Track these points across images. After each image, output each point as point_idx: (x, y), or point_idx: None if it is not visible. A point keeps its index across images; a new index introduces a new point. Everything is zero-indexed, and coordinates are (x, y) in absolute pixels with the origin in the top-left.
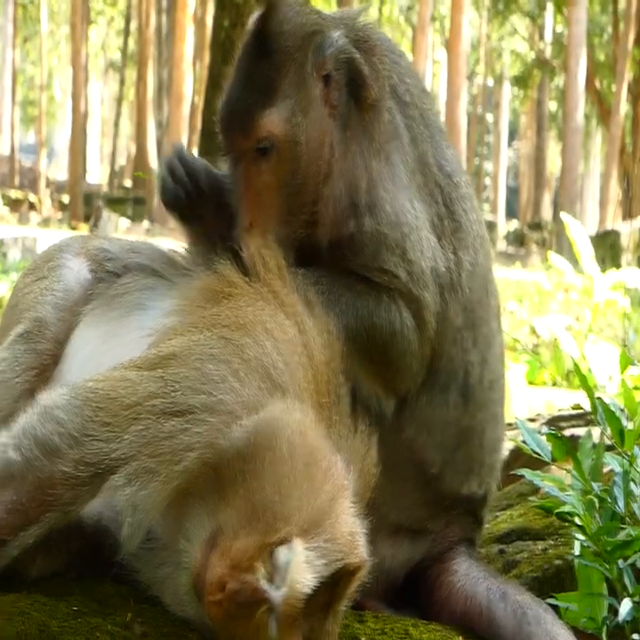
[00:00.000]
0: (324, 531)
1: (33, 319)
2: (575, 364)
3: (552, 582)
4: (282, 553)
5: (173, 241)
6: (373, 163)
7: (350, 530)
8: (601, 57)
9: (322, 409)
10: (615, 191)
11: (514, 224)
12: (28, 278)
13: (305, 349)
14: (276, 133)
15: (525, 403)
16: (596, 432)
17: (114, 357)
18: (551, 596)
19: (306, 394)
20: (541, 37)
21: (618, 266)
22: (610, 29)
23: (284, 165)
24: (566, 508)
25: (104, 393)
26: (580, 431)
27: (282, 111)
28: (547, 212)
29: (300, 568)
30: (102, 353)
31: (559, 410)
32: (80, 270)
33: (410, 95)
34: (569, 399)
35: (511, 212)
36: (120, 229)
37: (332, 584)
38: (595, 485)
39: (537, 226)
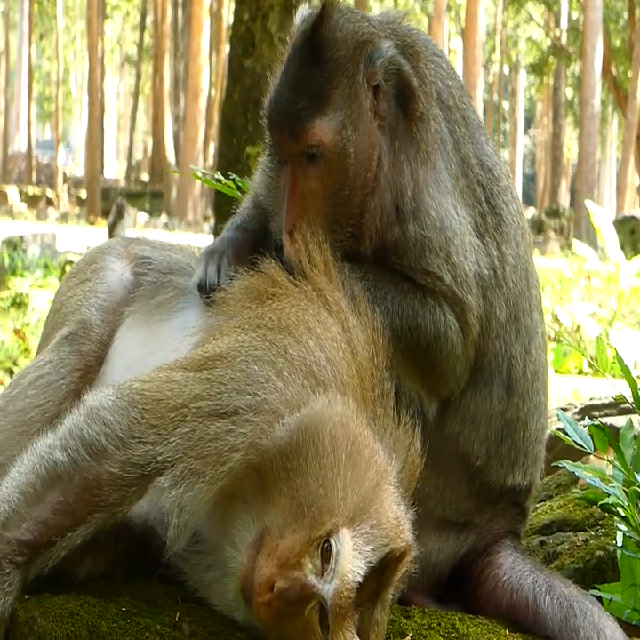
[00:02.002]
0: (369, 517)
1: (77, 321)
2: (617, 355)
3: (593, 573)
4: (329, 545)
5: (192, 235)
6: (420, 171)
7: (395, 514)
8: (617, 43)
9: (366, 402)
10: (632, 177)
11: (531, 211)
12: (71, 281)
13: (348, 346)
14: (325, 143)
15: (553, 391)
16: (634, 421)
17: (158, 357)
18: (593, 588)
19: (348, 388)
20: (557, 24)
21: (638, 252)
22: (626, 15)
23: (331, 175)
24: (610, 500)
25: (150, 394)
26: (614, 420)
27: (333, 122)
28: (564, 199)
29: (349, 557)
30: (146, 353)
31: (591, 398)
32: (123, 272)
33: (452, 99)
34: (595, 387)
35: (528, 200)
36: (138, 224)
37: (380, 571)
38: (637, 476)
39: (555, 213)
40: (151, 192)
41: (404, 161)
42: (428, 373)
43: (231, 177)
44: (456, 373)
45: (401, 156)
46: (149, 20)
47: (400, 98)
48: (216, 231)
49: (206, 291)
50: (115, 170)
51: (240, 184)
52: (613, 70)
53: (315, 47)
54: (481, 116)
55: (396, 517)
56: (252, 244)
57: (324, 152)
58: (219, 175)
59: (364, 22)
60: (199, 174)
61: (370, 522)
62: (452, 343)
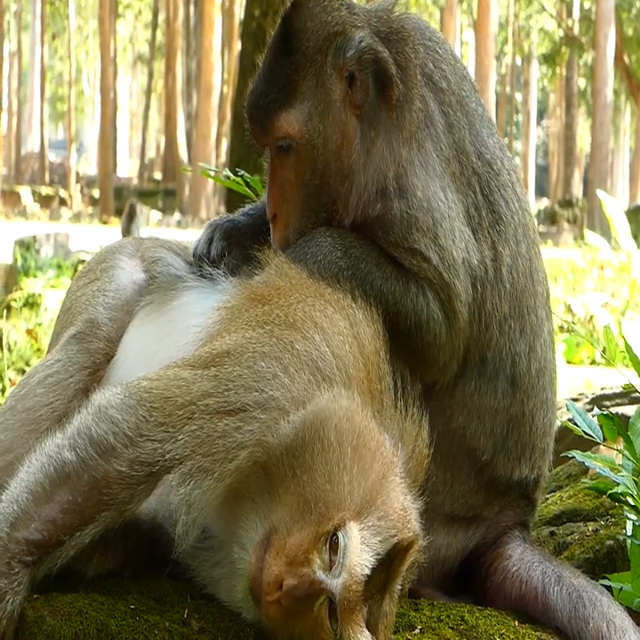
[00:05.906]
0: (376, 509)
1: (85, 320)
2: (627, 346)
3: (604, 563)
4: (337, 539)
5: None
6: (403, 151)
7: (402, 505)
8: (629, 32)
9: (373, 395)
10: None
11: (544, 202)
12: (81, 281)
13: (355, 340)
14: (293, 135)
15: (565, 382)
16: None
17: (167, 355)
18: (603, 577)
19: (354, 381)
20: (569, 14)
21: None
22: (638, 4)
23: (302, 165)
24: (620, 489)
25: (158, 392)
26: (625, 409)
27: (299, 113)
28: (577, 190)
29: (357, 551)
30: (155, 350)
31: (602, 388)
32: (134, 271)
33: (446, 82)
34: (608, 377)
35: (541, 191)
36: (151, 222)
37: (388, 562)
38: None
39: (568, 203)
40: (164, 190)
41: (384, 145)
42: (410, 357)
43: (240, 173)
44: (439, 362)
45: (379, 142)
46: (161, 18)
47: (378, 84)
48: None
49: (196, 258)
50: (128, 168)
51: (249, 180)
52: (626, 59)
53: (286, 38)
54: (493, 108)
55: (402, 508)
56: (255, 229)
57: (292, 144)
58: (228, 172)
59: (341, 11)
60: (209, 172)
61: (377, 514)
62: (434, 332)
